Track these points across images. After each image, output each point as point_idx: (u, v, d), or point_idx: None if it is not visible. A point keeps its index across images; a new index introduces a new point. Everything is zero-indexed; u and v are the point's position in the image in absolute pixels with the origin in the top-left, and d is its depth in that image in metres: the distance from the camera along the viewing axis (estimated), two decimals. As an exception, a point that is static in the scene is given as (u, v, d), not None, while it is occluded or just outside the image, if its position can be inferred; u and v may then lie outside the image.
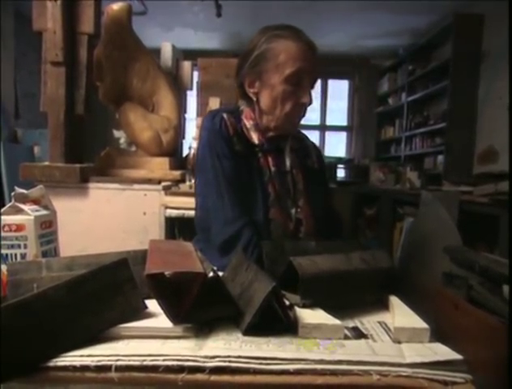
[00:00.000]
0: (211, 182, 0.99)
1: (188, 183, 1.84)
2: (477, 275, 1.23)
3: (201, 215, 1.05)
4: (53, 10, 1.65)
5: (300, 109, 1.02)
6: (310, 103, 1.00)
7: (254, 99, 1.04)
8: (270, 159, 1.04)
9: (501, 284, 1.14)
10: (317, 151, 1.21)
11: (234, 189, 0.98)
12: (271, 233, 0.99)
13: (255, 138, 1.05)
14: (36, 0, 1.69)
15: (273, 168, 1.04)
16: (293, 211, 1.04)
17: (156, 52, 2.19)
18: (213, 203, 0.98)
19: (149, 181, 1.78)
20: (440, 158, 3.91)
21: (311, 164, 1.14)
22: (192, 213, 1.31)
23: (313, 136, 5.67)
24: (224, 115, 1.04)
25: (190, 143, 2.24)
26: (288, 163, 1.08)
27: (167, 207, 1.73)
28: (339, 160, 5.28)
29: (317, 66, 1.01)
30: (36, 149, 3.87)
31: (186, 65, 2.36)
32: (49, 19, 1.66)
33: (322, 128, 5.87)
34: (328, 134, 5.93)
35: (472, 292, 1.20)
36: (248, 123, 1.06)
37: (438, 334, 0.56)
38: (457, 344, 0.53)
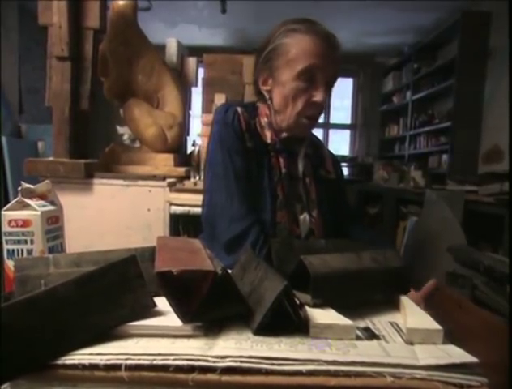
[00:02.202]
0: (219, 177, 0.96)
1: (192, 180, 1.83)
2: (481, 274, 1.22)
3: (208, 211, 1.02)
4: (58, 4, 1.64)
5: (313, 107, 0.97)
6: (324, 102, 0.95)
7: (267, 97, 1.00)
8: (281, 160, 1.00)
9: (506, 284, 1.13)
10: (335, 159, 1.17)
11: (243, 186, 0.95)
12: (277, 236, 0.96)
13: (268, 136, 1.01)
14: (41, -6, 1.68)
15: (284, 170, 1.00)
16: (302, 217, 1.01)
17: (161, 48, 2.17)
18: (221, 198, 0.95)
19: (154, 177, 1.78)
20: (444, 157, 3.89)
21: (325, 174, 1.10)
22: (197, 210, 1.29)
23: (317, 134, 5.64)
24: (238, 109, 1.00)
25: (194, 139, 2.23)
26: (300, 168, 1.04)
27: (171, 204, 1.73)
28: (343, 158, 5.27)
29: (337, 62, 0.95)
30: (40, 145, 3.87)
31: (191, 61, 2.34)
32: (55, 13, 1.65)
33: (326, 126, 5.86)
34: (332, 132, 5.92)
35: (476, 292, 1.19)
36: (262, 120, 1.02)
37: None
38: (460, 343, 0.52)
